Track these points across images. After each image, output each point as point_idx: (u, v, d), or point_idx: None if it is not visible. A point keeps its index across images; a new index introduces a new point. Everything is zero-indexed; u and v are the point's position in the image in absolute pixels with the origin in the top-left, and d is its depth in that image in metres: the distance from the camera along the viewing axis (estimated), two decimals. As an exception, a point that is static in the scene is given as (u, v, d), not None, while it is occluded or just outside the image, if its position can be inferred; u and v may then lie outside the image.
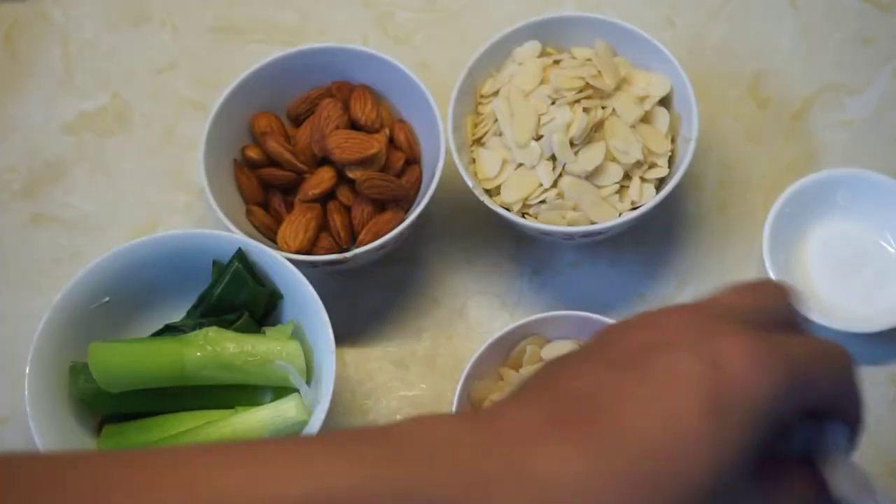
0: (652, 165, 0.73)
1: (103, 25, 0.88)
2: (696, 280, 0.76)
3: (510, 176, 0.72)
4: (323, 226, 0.74)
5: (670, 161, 0.74)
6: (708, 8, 0.86)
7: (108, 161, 0.83)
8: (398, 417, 0.73)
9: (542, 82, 0.74)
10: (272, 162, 0.76)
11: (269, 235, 0.74)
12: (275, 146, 0.75)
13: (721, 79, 0.82)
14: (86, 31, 0.88)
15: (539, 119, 0.72)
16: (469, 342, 0.75)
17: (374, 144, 0.74)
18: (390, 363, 0.75)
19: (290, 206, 0.75)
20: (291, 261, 0.69)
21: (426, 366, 0.75)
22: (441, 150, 0.72)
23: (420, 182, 0.76)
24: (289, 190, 0.76)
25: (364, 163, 0.74)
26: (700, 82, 0.79)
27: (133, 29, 0.88)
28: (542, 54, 0.76)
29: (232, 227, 0.70)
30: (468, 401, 0.69)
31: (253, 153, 0.76)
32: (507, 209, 0.72)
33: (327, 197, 0.74)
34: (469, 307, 0.76)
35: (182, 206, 0.81)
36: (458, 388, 0.68)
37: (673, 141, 0.74)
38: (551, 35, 0.77)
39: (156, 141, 0.84)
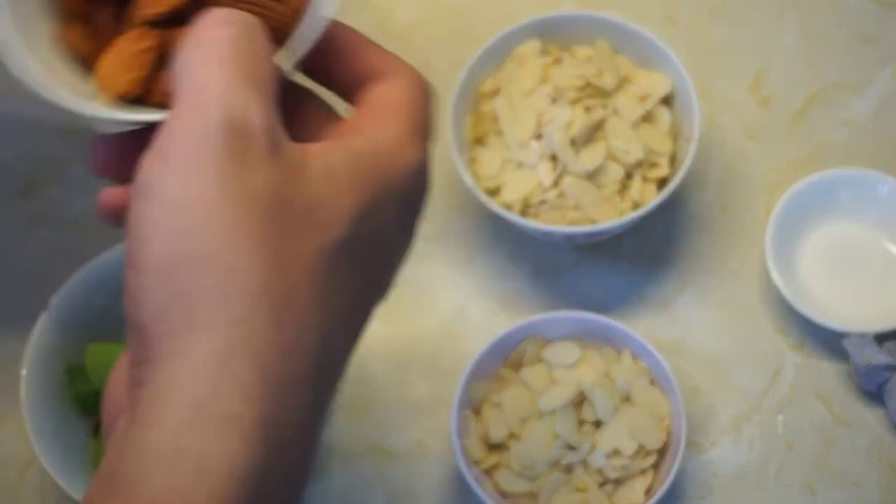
0: (653, 165, 0.73)
1: (102, 24, 0.88)
2: (697, 280, 0.76)
3: (510, 176, 0.72)
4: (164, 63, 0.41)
5: (672, 161, 0.73)
6: (709, 6, 0.85)
7: (106, 160, 0.83)
8: (397, 417, 0.73)
9: (542, 81, 0.73)
10: None
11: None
12: None
13: (722, 77, 0.82)
14: (84, 29, 0.88)
15: (540, 118, 0.72)
16: (469, 342, 0.74)
17: None
18: (390, 363, 0.75)
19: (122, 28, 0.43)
20: (117, 121, 0.40)
21: (426, 366, 0.74)
22: None
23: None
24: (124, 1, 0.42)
25: None
26: (701, 81, 0.78)
27: (132, 28, 0.88)
28: (543, 53, 0.76)
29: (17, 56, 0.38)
30: (468, 401, 0.69)
31: None
32: (508, 209, 0.72)
33: (174, 21, 0.40)
34: (469, 307, 0.76)
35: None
36: (459, 388, 0.67)
37: (674, 140, 0.74)
38: (552, 33, 0.76)
39: (155, 140, 0.83)
